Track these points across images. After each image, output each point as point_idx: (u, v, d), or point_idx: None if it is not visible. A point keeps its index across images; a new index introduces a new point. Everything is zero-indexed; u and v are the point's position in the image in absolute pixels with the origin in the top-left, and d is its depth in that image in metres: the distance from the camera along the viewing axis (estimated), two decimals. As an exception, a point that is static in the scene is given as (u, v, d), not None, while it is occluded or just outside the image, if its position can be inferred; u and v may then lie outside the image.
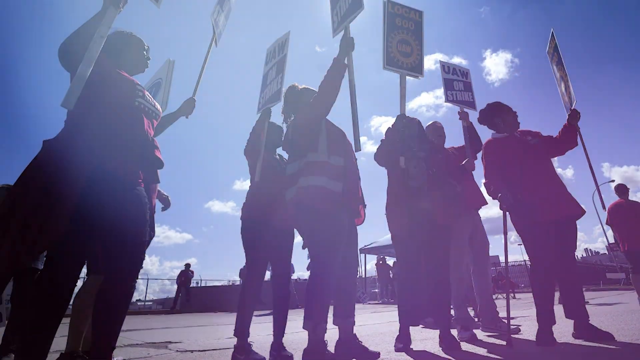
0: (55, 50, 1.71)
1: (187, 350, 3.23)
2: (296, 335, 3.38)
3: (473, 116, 3.49)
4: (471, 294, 3.79)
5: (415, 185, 2.78)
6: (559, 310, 2.72)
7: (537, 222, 2.75)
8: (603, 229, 22.99)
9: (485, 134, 3.34)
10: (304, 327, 2.22)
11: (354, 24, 2.48)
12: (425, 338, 3.21)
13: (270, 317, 2.85)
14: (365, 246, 16.07)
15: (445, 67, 3.73)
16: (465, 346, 2.72)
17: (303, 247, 2.50)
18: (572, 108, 3.05)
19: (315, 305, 2.23)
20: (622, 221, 5.58)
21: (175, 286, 15.15)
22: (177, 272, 16.01)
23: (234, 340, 2.71)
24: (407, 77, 2.77)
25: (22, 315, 2.86)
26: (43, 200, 1.52)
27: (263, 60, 3.38)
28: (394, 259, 14.41)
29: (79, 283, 1.95)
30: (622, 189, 5.86)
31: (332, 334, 2.41)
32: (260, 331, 4.09)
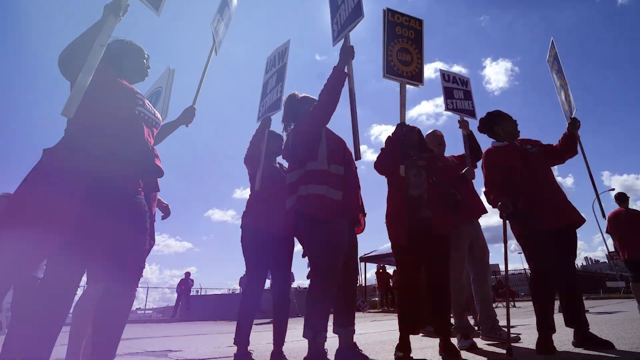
0: (56, 58, 1.73)
1: (187, 359, 3.21)
2: (296, 344, 3.37)
3: (473, 125, 3.50)
4: (471, 302, 3.77)
5: (415, 194, 2.78)
6: (559, 318, 2.71)
7: (537, 230, 2.75)
8: (603, 238, 22.95)
9: (485, 142, 3.35)
10: (304, 336, 2.21)
11: (354, 32, 2.51)
12: (425, 346, 3.19)
13: (271, 326, 2.84)
14: (365, 254, 16.01)
15: (446, 76, 3.75)
16: (465, 355, 2.70)
17: (303, 256, 2.51)
18: (572, 116, 3.07)
19: (316, 314, 2.23)
20: (622, 229, 5.59)
21: (176, 294, 15.16)
22: (177, 280, 16.02)
23: (234, 349, 2.70)
24: (407, 86, 2.79)
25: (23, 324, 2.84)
26: (43, 208, 1.52)
27: (263, 69, 3.40)
28: (394, 268, 14.36)
29: (79, 292, 1.95)
30: (622, 198, 5.87)
31: (332, 343, 2.40)
32: (261, 339, 4.08)
